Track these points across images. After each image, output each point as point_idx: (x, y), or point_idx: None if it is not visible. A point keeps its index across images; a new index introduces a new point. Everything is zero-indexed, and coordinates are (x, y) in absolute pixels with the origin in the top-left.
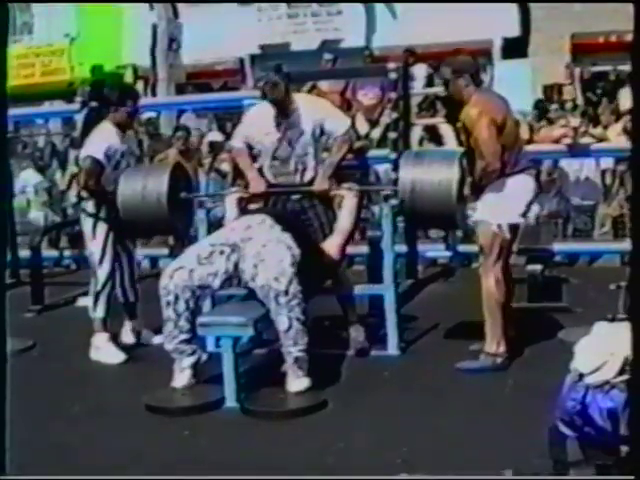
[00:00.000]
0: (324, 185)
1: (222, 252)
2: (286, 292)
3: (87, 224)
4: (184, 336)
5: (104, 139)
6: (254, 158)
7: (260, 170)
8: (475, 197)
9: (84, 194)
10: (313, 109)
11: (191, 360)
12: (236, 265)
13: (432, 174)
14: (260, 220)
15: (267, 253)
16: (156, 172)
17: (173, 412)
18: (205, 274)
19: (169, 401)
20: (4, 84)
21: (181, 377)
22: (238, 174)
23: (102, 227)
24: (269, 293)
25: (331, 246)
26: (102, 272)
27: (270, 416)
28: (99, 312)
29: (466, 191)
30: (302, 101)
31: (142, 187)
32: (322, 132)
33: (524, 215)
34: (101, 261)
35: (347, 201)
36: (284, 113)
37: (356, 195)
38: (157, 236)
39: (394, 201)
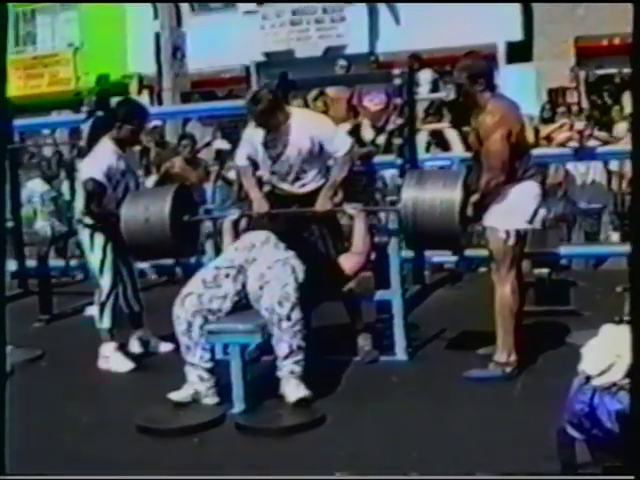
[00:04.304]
0: (326, 206)
1: (227, 275)
2: (288, 317)
3: (85, 235)
4: (206, 365)
5: (104, 159)
6: (257, 169)
7: (260, 180)
8: (477, 218)
9: (86, 218)
10: (312, 126)
11: (201, 388)
12: (244, 285)
13: (434, 195)
14: (264, 238)
15: (272, 275)
16: (158, 197)
17: (168, 433)
18: (214, 298)
19: (164, 421)
20: (4, 83)
21: (184, 392)
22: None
23: (99, 238)
24: (272, 317)
25: (349, 264)
26: (104, 282)
27: (264, 433)
28: (105, 323)
29: (469, 212)
30: (300, 117)
31: (145, 213)
32: (322, 149)
33: (531, 221)
34: (102, 271)
35: (358, 223)
36: (271, 128)
37: (365, 215)
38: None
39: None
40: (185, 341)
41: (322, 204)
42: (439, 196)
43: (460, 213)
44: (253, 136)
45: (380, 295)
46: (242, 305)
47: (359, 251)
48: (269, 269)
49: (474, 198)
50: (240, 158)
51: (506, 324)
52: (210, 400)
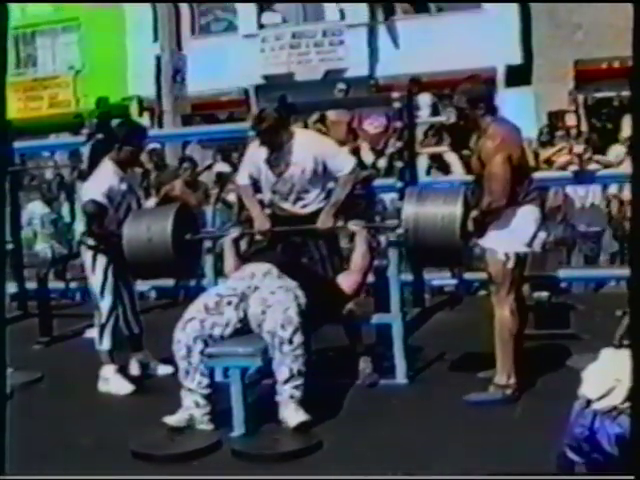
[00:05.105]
0: (328, 223)
1: (230, 302)
2: (290, 341)
3: (87, 257)
4: (203, 391)
5: (105, 180)
6: (258, 192)
7: (262, 202)
8: (478, 234)
9: (89, 240)
10: (315, 146)
11: (197, 414)
12: (246, 313)
13: (435, 211)
14: (266, 270)
15: (274, 300)
16: (160, 216)
17: (163, 459)
18: (216, 325)
19: (159, 447)
20: (4, 104)
21: (179, 416)
22: (244, 206)
23: (102, 260)
24: (274, 340)
25: (348, 283)
26: (104, 304)
27: (261, 459)
28: (105, 345)
29: (470, 227)
30: (303, 137)
31: (147, 233)
32: (325, 170)
33: (530, 244)
34: (102, 293)
35: (359, 240)
36: (275, 146)
37: (366, 233)
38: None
39: (400, 230)
40: (184, 366)
41: (324, 221)
42: (440, 211)
43: (461, 228)
44: (256, 154)
45: (380, 318)
46: (243, 332)
47: (358, 269)
48: (272, 294)
49: (474, 214)
50: (242, 177)
51: (505, 347)
52: (205, 426)
